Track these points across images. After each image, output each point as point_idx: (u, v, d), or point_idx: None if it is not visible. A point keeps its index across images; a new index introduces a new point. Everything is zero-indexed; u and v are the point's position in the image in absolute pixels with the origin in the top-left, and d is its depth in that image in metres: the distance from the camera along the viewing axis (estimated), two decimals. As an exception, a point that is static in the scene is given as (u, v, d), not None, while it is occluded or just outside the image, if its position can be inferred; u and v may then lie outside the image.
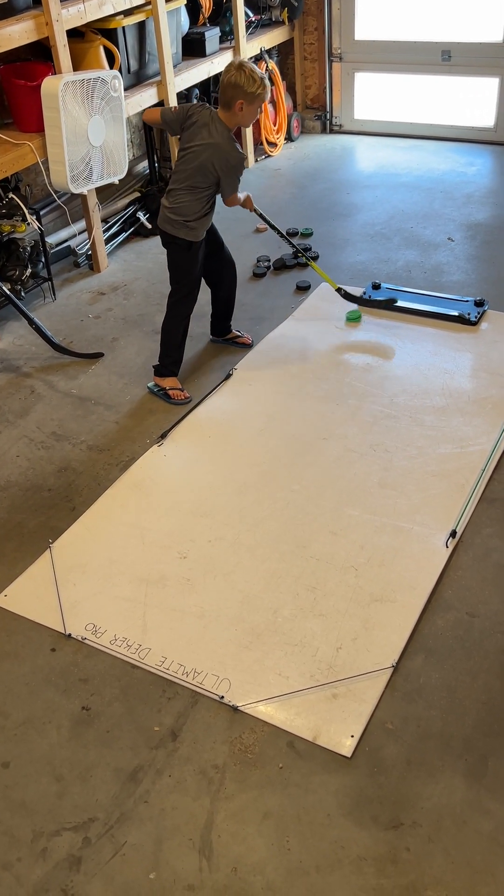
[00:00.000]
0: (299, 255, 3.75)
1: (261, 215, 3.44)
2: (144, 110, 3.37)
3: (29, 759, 2.02)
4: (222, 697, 2.10)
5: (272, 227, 3.54)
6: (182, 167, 3.04)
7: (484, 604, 2.32)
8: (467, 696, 2.08)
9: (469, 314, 3.58)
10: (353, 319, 3.61)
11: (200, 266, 3.21)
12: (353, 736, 2.00)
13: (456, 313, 3.60)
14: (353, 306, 3.67)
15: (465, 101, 5.43)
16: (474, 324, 3.56)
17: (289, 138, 5.75)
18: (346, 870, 1.76)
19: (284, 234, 3.61)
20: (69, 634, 2.31)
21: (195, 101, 4.83)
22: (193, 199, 3.04)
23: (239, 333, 3.61)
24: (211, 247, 3.25)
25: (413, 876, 1.74)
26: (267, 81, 2.96)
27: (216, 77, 5.18)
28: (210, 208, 3.12)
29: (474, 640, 2.22)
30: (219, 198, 3.14)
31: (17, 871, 1.80)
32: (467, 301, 3.69)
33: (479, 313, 3.60)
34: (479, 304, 3.65)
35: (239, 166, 3.06)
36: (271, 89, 3.09)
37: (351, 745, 1.98)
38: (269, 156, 5.56)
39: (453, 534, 2.53)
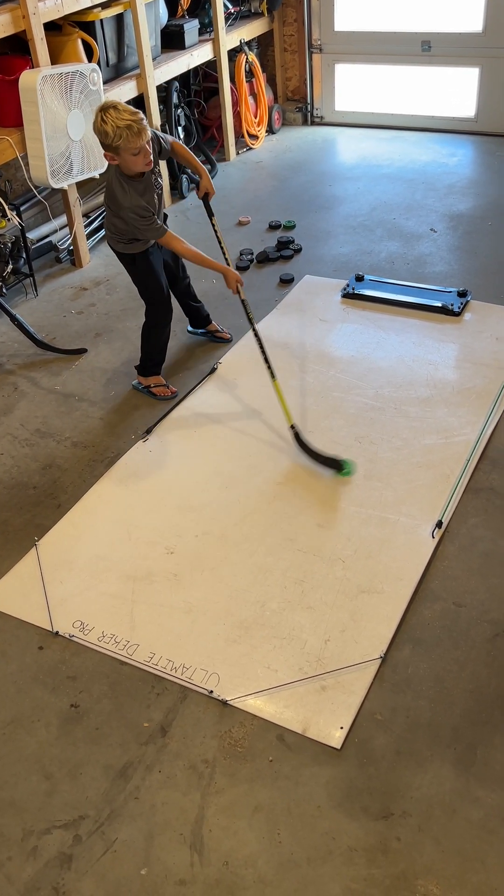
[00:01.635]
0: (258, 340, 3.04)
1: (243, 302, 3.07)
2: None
3: (18, 757, 2.01)
4: (211, 692, 2.10)
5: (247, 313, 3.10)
6: None
7: (470, 593, 2.33)
8: (455, 686, 2.09)
9: (452, 305, 3.59)
10: (346, 474, 2.75)
11: (159, 274, 3.09)
12: (342, 728, 2.00)
13: (439, 304, 3.61)
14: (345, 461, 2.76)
15: (445, 91, 5.43)
16: (457, 314, 3.56)
17: (270, 131, 5.73)
18: (338, 861, 1.76)
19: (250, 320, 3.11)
20: (56, 632, 2.30)
21: (175, 97, 4.81)
22: (114, 217, 2.95)
23: (219, 328, 3.58)
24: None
25: (404, 865, 1.75)
26: (134, 127, 2.63)
27: (196, 70, 5.16)
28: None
29: (461, 630, 2.23)
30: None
31: (8, 871, 1.79)
32: (450, 292, 3.70)
33: (462, 304, 3.60)
34: (461, 294, 3.66)
35: (130, 214, 2.82)
36: (144, 131, 2.67)
37: (340, 736, 1.99)
38: (251, 148, 5.54)
39: (439, 524, 2.53)
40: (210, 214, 3.20)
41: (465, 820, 1.82)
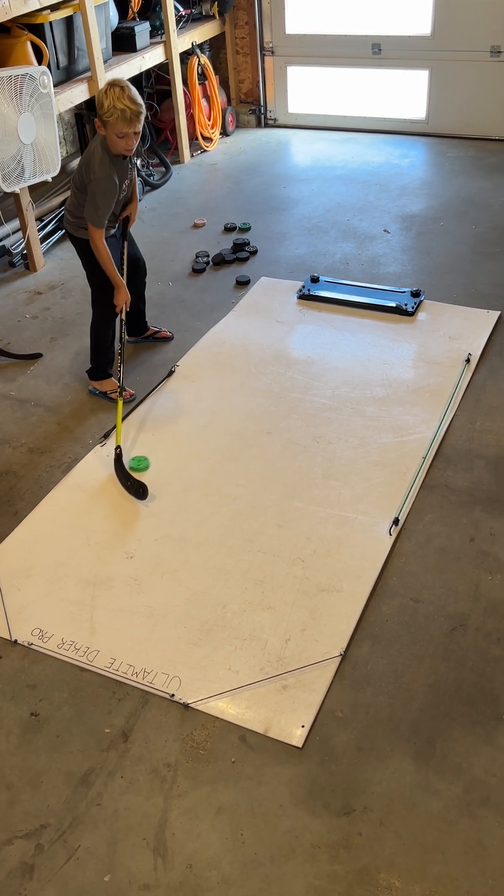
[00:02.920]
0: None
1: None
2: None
3: (-23, 768, 1.99)
4: (173, 695, 2.10)
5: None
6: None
7: (427, 589, 2.36)
8: (414, 681, 2.12)
9: (406, 305, 3.63)
10: (139, 469, 2.85)
11: (118, 263, 3.10)
12: (303, 726, 2.02)
13: (393, 304, 3.65)
14: (140, 454, 2.92)
15: (397, 93, 5.49)
16: (411, 314, 3.61)
17: (224, 133, 5.75)
18: (301, 858, 1.77)
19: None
20: (15, 640, 2.28)
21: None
22: (80, 193, 2.98)
23: (158, 329, 3.58)
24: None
25: (366, 860, 1.77)
26: (127, 113, 2.73)
27: (148, 73, 5.15)
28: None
29: (419, 625, 2.26)
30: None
31: (-31, 883, 1.77)
32: (404, 292, 3.74)
33: (415, 304, 3.65)
34: (415, 294, 3.70)
35: (98, 185, 2.84)
36: (137, 120, 2.76)
37: (301, 735, 2.00)
38: (205, 151, 5.54)
39: (396, 521, 2.57)
40: (124, 237, 3.18)
41: (425, 812, 1.84)
